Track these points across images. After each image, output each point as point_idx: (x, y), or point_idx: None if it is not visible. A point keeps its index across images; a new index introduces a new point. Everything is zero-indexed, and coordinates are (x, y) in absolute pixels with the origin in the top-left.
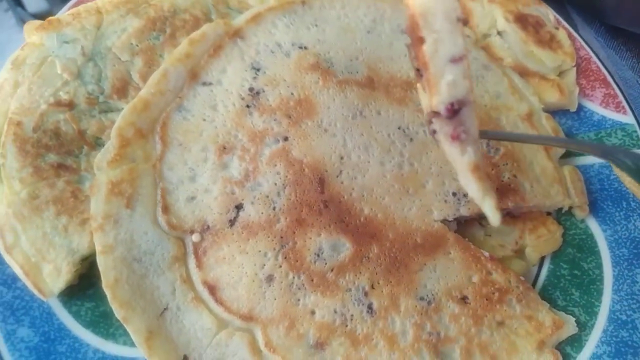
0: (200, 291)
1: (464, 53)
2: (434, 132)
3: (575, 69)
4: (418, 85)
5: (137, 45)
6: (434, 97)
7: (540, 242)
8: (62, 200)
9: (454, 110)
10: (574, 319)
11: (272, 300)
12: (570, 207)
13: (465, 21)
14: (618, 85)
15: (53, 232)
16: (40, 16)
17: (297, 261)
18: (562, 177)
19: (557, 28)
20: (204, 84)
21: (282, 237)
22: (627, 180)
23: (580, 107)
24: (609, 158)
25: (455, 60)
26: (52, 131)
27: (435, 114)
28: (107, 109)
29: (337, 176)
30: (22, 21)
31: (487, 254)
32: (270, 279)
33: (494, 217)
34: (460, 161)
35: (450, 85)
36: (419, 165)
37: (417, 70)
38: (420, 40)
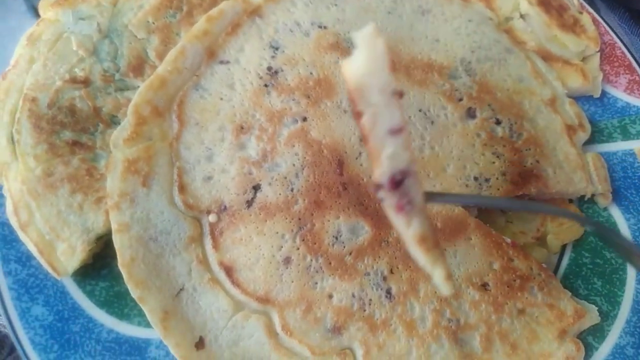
0: (217, 272)
1: (402, 125)
2: (382, 200)
3: (599, 54)
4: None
5: (153, 23)
6: (376, 169)
7: (562, 229)
8: (77, 178)
9: (397, 182)
10: (596, 308)
11: (289, 282)
12: (593, 195)
13: (401, 94)
14: None
15: (68, 210)
16: None
17: (315, 243)
18: (585, 164)
19: (580, 12)
20: (222, 62)
21: (300, 219)
22: None
23: (604, 93)
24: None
25: (394, 131)
26: (68, 108)
27: (380, 185)
28: (123, 86)
29: (357, 158)
30: (32, 8)
31: (508, 240)
32: (287, 261)
33: (443, 288)
34: (406, 233)
35: (391, 158)
36: (440, 149)
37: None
38: (359, 115)
